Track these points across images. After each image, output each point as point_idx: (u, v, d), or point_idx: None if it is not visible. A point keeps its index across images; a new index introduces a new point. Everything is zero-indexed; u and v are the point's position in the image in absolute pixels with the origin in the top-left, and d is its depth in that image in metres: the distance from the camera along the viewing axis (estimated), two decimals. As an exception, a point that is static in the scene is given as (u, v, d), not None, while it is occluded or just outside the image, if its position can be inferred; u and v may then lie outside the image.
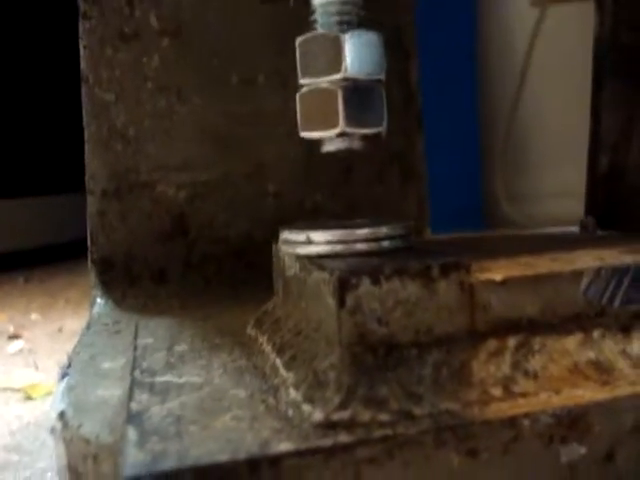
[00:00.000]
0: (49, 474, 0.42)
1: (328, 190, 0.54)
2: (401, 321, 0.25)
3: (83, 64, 0.50)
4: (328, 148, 0.30)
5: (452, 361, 0.25)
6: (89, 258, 0.50)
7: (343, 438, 0.22)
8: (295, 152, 0.52)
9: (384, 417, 0.23)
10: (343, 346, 0.24)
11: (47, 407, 0.53)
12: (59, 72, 1.32)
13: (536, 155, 1.66)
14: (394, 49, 0.57)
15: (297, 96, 0.31)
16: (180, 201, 0.51)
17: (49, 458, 0.44)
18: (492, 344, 0.26)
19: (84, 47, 0.50)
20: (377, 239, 0.28)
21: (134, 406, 0.27)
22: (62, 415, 0.29)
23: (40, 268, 1.31)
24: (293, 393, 0.26)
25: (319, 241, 0.28)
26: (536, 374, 0.26)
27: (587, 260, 0.28)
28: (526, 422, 0.24)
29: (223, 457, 0.21)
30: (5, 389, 0.58)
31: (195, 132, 0.52)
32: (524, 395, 0.25)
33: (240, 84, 0.52)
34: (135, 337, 0.38)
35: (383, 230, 0.28)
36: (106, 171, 0.50)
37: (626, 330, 0.27)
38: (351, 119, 0.29)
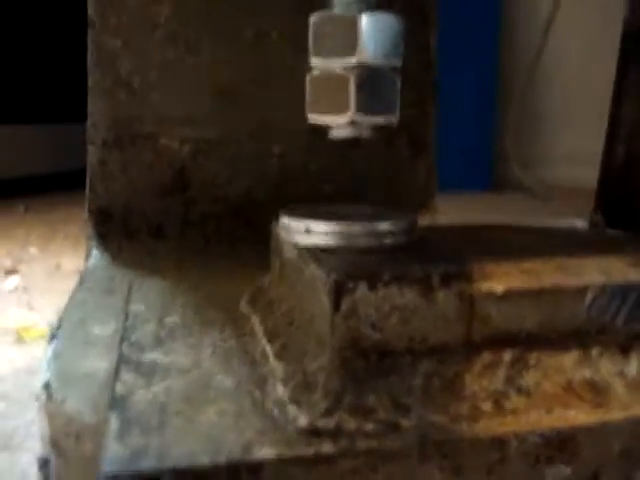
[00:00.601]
0: (35, 427, 0.42)
1: (335, 155, 0.53)
2: (396, 328, 0.24)
3: (90, 9, 0.48)
4: (336, 134, 0.29)
5: (445, 372, 0.24)
6: (86, 208, 0.49)
7: (326, 448, 0.22)
8: (303, 114, 0.51)
9: (370, 427, 0.23)
10: (334, 349, 0.24)
11: (38, 352, 0.54)
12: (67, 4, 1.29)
13: (550, 120, 1.63)
14: (412, 14, 0.55)
15: (307, 77, 0.29)
16: (183, 155, 0.50)
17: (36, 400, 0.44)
18: (487, 357, 0.25)
19: (93, -11, 0.48)
20: (378, 235, 0.27)
21: (119, 387, 0.26)
22: (47, 386, 0.29)
23: (41, 196, 1.31)
24: (280, 390, 0.25)
25: (318, 232, 0.27)
26: (529, 391, 0.25)
27: (593, 272, 0.28)
28: (514, 442, 0.23)
29: (204, 460, 0.21)
30: (-2, 328, 0.58)
31: (202, 86, 0.50)
32: (514, 412, 0.24)
33: (252, 39, 0.50)
34: (127, 301, 0.38)
35: (384, 226, 0.28)
36: (108, 120, 0.49)
37: (625, 350, 0.27)
38: (362, 107, 0.28)
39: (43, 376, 0.30)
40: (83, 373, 0.30)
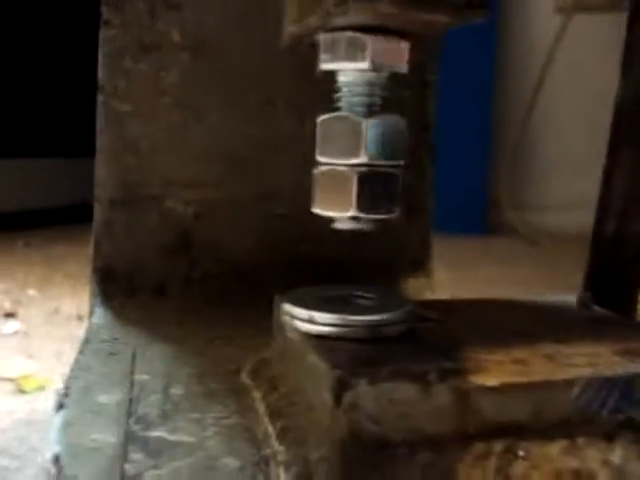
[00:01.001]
0: (37, 485, 0.43)
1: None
2: (394, 421, 0.25)
3: (101, 73, 0.50)
4: (339, 226, 0.30)
5: (440, 463, 0.26)
6: (91, 266, 0.51)
7: (328, 539, 0.23)
8: (308, 180, 0.52)
9: (369, 518, 0.24)
10: (335, 441, 0.25)
11: (37, 404, 0.55)
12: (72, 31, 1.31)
13: (544, 166, 1.66)
14: (412, 74, 0.57)
15: (313, 173, 0.31)
16: (187, 217, 0.52)
17: (37, 465, 0.45)
18: (479, 447, 0.26)
19: (103, 56, 0.50)
20: (378, 326, 0.29)
21: (128, 468, 0.27)
22: (57, 459, 0.30)
23: (40, 231, 1.32)
24: (282, 475, 0.27)
25: (321, 322, 0.29)
26: (518, 481, 0.26)
27: (580, 363, 0.29)
28: (504, 533, 0.24)
29: None
30: (-1, 378, 0.59)
31: (208, 150, 0.52)
32: (505, 503, 0.26)
33: (258, 106, 0.52)
34: (132, 368, 0.39)
35: (384, 317, 0.29)
36: (115, 181, 0.51)
37: (611, 439, 0.28)
38: (363, 205, 0.29)
39: (53, 448, 0.31)
40: (92, 447, 0.31)
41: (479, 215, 1.57)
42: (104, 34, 0.50)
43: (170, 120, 0.51)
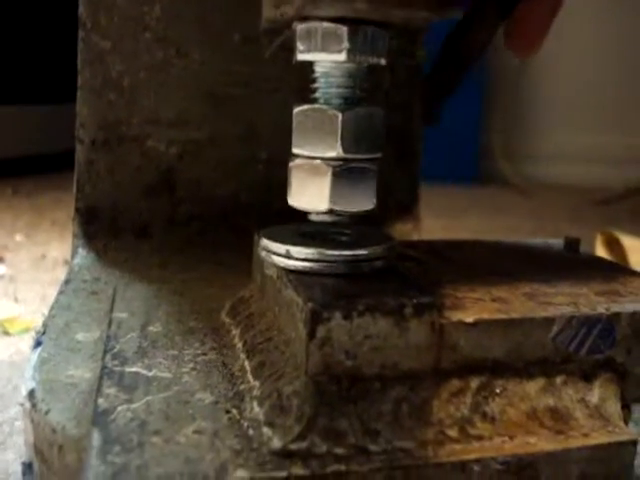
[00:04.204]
0: (19, 422, 0.43)
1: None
2: (368, 355, 0.25)
3: (81, 8, 0.48)
4: (315, 218, 0.30)
5: (413, 398, 0.26)
6: (74, 206, 0.50)
7: (298, 470, 0.23)
8: (290, 120, 0.51)
9: (340, 451, 0.24)
10: (309, 375, 0.25)
11: (22, 346, 0.54)
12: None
13: (537, 116, 1.64)
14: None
15: (289, 165, 0.30)
16: (170, 157, 0.51)
17: (20, 406, 0.45)
18: (455, 384, 0.26)
19: (83, -11, 0.48)
20: (356, 261, 0.28)
21: (101, 402, 0.27)
22: (32, 394, 0.30)
23: (29, 178, 1.31)
24: (256, 409, 0.26)
25: (298, 257, 0.28)
26: (494, 417, 0.26)
27: (560, 302, 0.29)
28: (476, 467, 0.24)
29: (180, 481, 0.22)
30: (-17, 320, 0.59)
31: (191, 88, 0.51)
32: (479, 438, 0.26)
33: (241, 43, 0.51)
34: (111, 306, 0.38)
35: (362, 252, 0.29)
36: (97, 120, 0.49)
37: (588, 379, 0.28)
38: (338, 200, 0.29)
39: (28, 384, 0.31)
40: (67, 383, 0.31)
41: (470, 164, 1.56)
42: (84, -33, 0.48)
43: (152, 57, 0.50)
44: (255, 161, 0.52)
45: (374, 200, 0.30)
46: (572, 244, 0.38)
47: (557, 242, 0.40)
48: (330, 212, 0.29)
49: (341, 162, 0.29)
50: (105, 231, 0.50)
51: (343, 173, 0.29)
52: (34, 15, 1.38)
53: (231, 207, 0.52)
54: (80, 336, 0.36)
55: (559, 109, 1.60)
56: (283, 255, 0.29)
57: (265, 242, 0.30)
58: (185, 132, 0.51)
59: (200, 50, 0.50)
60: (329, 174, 0.29)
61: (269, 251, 0.30)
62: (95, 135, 0.50)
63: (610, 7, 1.46)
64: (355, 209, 0.30)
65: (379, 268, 0.29)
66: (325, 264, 0.28)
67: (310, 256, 0.28)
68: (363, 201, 0.30)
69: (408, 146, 0.57)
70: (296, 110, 0.30)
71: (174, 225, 0.51)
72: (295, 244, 0.29)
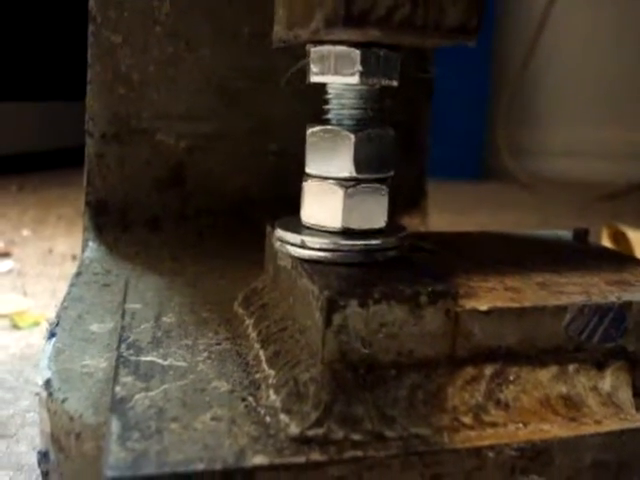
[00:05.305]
0: (30, 414, 0.43)
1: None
2: (384, 343, 0.25)
3: (92, 3, 0.48)
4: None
5: (429, 385, 0.26)
6: (84, 200, 0.50)
7: (315, 456, 0.23)
8: (300, 112, 0.52)
9: (357, 437, 0.24)
10: (325, 362, 0.25)
11: (32, 339, 0.55)
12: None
13: (542, 111, 1.64)
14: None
15: (302, 185, 0.31)
16: (179, 151, 0.51)
17: (31, 396, 0.45)
18: (469, 371, 0.27)
19: (94, -16, 0.48)
20: (370, 251, 0.29)
21: (119, 390, 0.27)
22: (48, 384, 0.30)
23: (35, 175, 1.31)
24: (273, 396, 0.27)
25: (313, 247, 0.29)
26: (507, 404, 0.26)
27: (572, 291, 0.29)
28: (491, 454, 0.25)
29: (200, 466, 0.23)
30: (-7, 314, 0.59)
31: (201, 82, 0.51)
32: (493, 425, 0.26)
33: (251, 37, 0.51)
34: (124, 298, 0.39)
35: (377, 242, 0.29)
36: (107, 114, 0.50)
37: (600, 366, 0.28)
38: (350, 219, 0.30)
39: (44, 374, 0.31)
40: (83, 372, 0.31)
41: (476, 160, 1.56)
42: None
43: (162, 51, 0.50)
44: (265, 154, 0.52)
45: (386, 218, 0.31)
46: (581, 235, 0.38)
47: (566, 233, 0.40)
48: (344, 230, 0.30)
49: (354, 182, 0.30)
50: (115, 224, 0.51)
51: (356, 192, 0.30)
52: (39, 11, 1.39)
53: (241, 200, 0.52)
54: (94, 327, 0.36)
55: (564, 105, 1.60)
56: (298, 245, 0.29)
57: (280, 232, 0.30)
58: (195, 126, 0.51)
59: (210, 44, 0.51)
60: (342, 194, 0.30)
61: (284, 241, 0.30)
62: (105, 129, 0.50)
63: (615, 2, 1.46)
64: (367, 226, 0.30)
65: (393, 257, 0.29)
66: (340, 254, 0.28)
67: (325, 246, 0.28)
68: (375, 220, 0.31)
69: (416, 140, 0.57)
70: (309, 131, 0.31)
71: (184, 218, 0.52)
72: (310, 234, 0.29)
